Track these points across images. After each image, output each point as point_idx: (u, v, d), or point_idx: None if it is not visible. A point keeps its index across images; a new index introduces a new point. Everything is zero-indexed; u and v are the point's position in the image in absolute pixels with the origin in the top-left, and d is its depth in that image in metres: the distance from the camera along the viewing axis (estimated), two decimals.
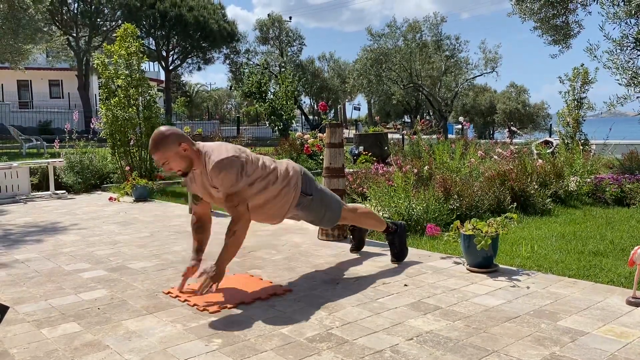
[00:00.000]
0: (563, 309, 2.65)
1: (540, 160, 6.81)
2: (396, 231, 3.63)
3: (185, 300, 2.90)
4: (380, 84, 29.13)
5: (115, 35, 8.65)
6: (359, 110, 50.31)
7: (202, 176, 2.95)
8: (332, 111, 47.73)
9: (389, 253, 3.87)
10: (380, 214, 4.78)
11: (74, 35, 25.58)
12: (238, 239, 2.92)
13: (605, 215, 5.22)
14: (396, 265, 3.57)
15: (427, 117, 32.66)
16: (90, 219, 5.78)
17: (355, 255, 3.84)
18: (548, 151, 8.75)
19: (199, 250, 3.15)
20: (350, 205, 3.58)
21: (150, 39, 29.91)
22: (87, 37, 26.39)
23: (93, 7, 26.31)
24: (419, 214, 4.53)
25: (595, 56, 6.60)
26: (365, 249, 3.99)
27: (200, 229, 3.17)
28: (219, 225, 5.22)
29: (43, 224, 5.57)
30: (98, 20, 27.15)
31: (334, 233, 4.35)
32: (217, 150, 2.89)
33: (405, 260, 3.66)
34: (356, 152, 11.61)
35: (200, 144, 2.94)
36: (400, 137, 15.07)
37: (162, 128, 2.86)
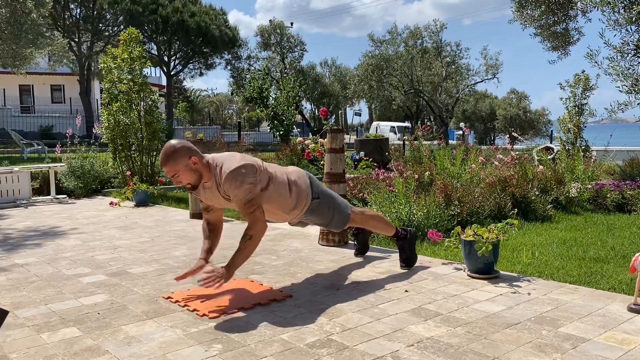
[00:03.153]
0: (564, 316, 2.64)
1: (541, 167, 6.81)
2: (406, 237, 3.65)
3: (186, 306, 2.89)
4: (381, 90, 29.22)
5: (118, 39, 8.68)
6: (360, 115, 50.41)
7: (212, 188, 2.97)
8: (333, 117, 47.78)
9: (389, 258, 3.87)
10: None
11: (76, 40, 25.66)
12: (253, 243, 2.93)
13: (606, 222, 5.21)
14: (398, 270, 3.56)
15: (428, 123, 32.68)
16: (90, 224, 5.78)
17: (355, 261, 3.83)
18: (549, 157, 8.75)
19: (208, 251, 3.15)
20: (358, 208, 3.59)
21: (152, 44, 30.01)
22: (89, 42, 26.48)
23: (95, 12, 26.41)
24: (420, 220, 4.53)
25: (596, 62, 6.61)
26: (366, 254, 3.99)
27: (212, 232, 3.19)
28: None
29: (43, 228, 5.57)
30: (100, 25, 27.24)
31: (335, 238, 4.34)
32: (228, 160, 2.91)
33: None
34: (357, 157, 11.61)
35: (210, 156, 2.96)
36: (401, 142, 15.09)
37: (173, 141, 2.88)
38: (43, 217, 6.33)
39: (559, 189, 6.04)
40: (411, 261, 3.63)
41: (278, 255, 4.10)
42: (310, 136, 15.50)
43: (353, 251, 4.02)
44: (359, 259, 3.88)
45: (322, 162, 10.57)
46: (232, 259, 2.90)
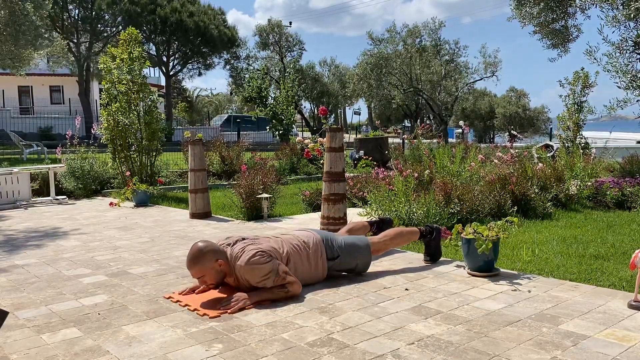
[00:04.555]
0: (564, 313, 2.64)
1: (540, 164, 6.81)
2: (432, 233, 3.73)
3: (186, 305, 2.89)
4: (380, 89, 29.20)
5: (118, 39, 8.67)
6: (359, 114, 50.37)
7: (234, 280, 3.00)
8: (333, 116, 47.76)
9: (389, 257, 3.87)
10: None
11: (75, 41, 25.64)
12: (285, 295, 2.95)
13: (606, 219, 5.22)
14: (398, 269, 3.56)
15: (428, 122, 32.68)
16: (90, 225, 5.77)
17: None
18: (548, 155, 8.75)
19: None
20: (377, 236, 3.61)
21: (151, 45, 29.99)
22: (87, 42, 26.46)
23: (94, 12, 26.39)
24: (420, 218, 4.53)
25: (595, 59, 6.61)
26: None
27: None
28: (219, 230, 5.22)
29: (43, 229, 5.57)
30: (99, 26, 27.22)
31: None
32: (244, 253, 2.91)
33: (407, 264, 3.67)
34: (357, 156, 11.61)
35: (228, 251, 2.96)
36: (401, 141, 15.08)
37: (200, 244, 2.91)
38: (43, 218, 6.33)
39: (558, 186, 6.04)
40: (436, 256, 3.72)
41: None
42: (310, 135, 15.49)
43: None
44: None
45: (321, 161, 10.56)
46: (260, 292, 2.91)
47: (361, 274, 3.41)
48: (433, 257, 3.73)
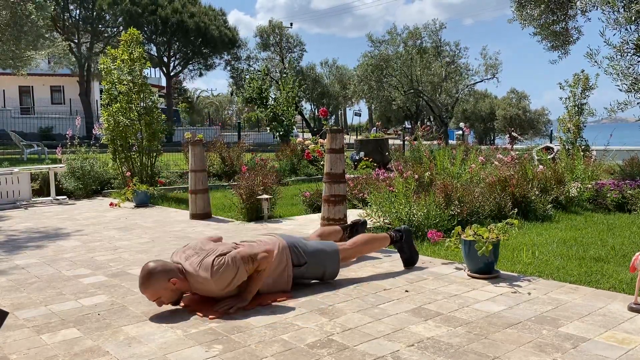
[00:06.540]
0: (564, 315, 2.64)
1: (541, 166, 6.81)
2: (401, 238, 3.63)
3: (186, 306, 2.89)
4: (381, 90, 29.26)
5: (118, 39, 8.68)
6: (360, 115, 50.41)
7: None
8: (333, 117, 47.80)
9: (389, 258, 3.87)
10: (381, 220, 4.78)
11: (76, 41, 25.67)
12: (263, 276, 2.91)
13: (606, 221, 5.21)
14: (398, 270, 3.56)
15: (428, 123, 32.69)
16: (90, 225, 5.77)
17: (356, 261, 3.82)
18: (549, 157, 8.75)
19: None
20: (347, 243, 3.52)
21: (152, 45, 30.05)
22: (88, 43, 26.49)
23: (94, 13, 26.43)
24: (420, 220, 4.52)
25: (596, 61, 6.61)
26: (367, 254, 3.98)
27: None
28: (219, 231, 5.21)
29: (44, 229, 5.57)
30: (99, 26, 27.26)
31: (335, 239, 4.33)
32: (202, 269, 2.78)
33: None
34: (357, 157, 11.61)
35: (185, 269, 2.83)
36: (401, 142, 15.09)
37: (150, 265, 2.78)
38: (43, 218, 6.33)
39: (559, 188, 6.03)
40: (413, 260, 3.63)
41: None
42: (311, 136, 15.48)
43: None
44: (356, 260, 3.88)
45: (322, 163, 10.56)
46: (247, 288, 2.87)
47: (329, 282, 3.28)
48: (410, 261, 3.61)
